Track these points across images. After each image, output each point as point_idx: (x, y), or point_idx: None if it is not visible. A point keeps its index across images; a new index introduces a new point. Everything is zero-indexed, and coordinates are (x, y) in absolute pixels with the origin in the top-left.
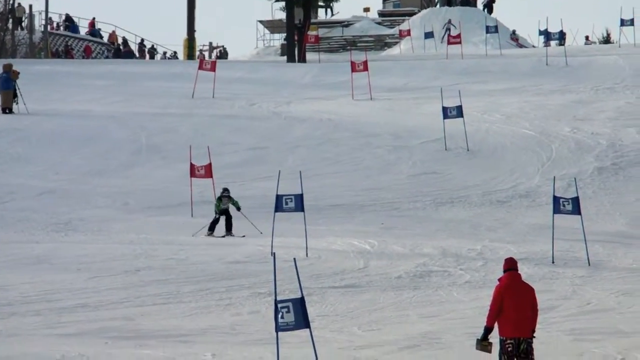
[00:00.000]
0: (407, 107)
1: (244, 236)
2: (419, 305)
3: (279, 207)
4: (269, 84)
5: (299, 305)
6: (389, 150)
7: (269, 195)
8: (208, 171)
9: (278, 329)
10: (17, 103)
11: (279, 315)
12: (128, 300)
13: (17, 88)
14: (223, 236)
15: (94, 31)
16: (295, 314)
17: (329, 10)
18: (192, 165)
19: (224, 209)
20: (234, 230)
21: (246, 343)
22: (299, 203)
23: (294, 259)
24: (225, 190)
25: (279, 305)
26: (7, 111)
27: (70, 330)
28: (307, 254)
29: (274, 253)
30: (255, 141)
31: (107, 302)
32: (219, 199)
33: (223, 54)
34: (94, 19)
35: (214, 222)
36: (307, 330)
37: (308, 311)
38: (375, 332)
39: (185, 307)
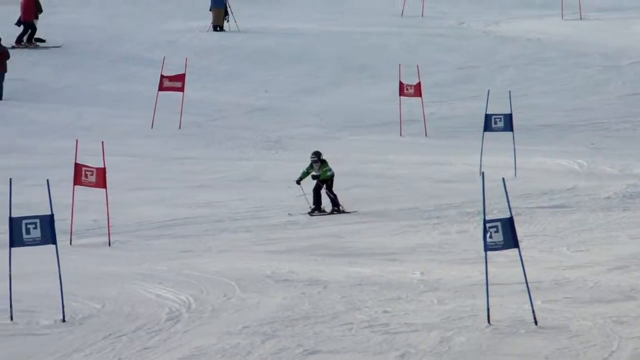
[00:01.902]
0: (617, 27)
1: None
2: (629, 227)
3: (487, 127)
4: (478, 3)
5: (508, 225)
6: (598, 70)
7: (477, 115)
8: (417, 90)
9: (487, 248)
10: (227, 21)
11: (488, 235)
12: (337, 218)
13: (227, 6)
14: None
15: None
16: (504, 234)
17: None
18: (401, 84)
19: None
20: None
21: (454, 262)
22: (508, 122)
23: (503, 178)
24: (315, 154)
25: (488, 225)
26: (217, 29)
27: (280, 247)
28: (515, 174)
29: (483, 172)
30: (464, 60)
31: (317, 219)
32: (310, 166)
33: None
34: None
35: (315, 197)
36: (516, 249)
37: (516, 231)
38: (584, 253)
39: (394, 226)
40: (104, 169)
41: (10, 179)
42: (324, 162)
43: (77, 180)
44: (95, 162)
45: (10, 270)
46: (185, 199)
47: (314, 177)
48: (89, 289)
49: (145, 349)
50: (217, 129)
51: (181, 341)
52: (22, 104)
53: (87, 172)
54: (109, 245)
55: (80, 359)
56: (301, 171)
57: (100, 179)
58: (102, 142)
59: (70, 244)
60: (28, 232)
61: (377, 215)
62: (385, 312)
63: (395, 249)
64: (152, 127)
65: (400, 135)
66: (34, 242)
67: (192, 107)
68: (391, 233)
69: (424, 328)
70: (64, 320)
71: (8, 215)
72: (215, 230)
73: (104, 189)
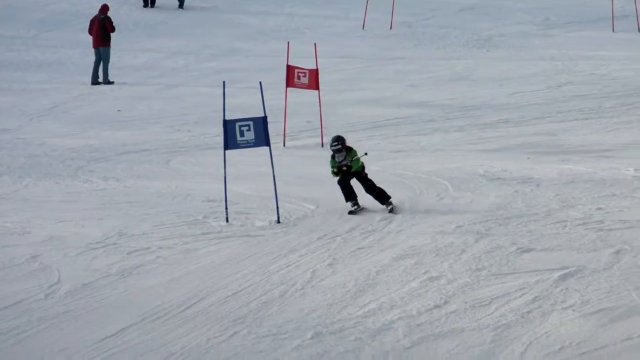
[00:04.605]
0: None
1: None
2: None
3: None
4: None
5: None
6: None
7: None
8: None
9: None
10: None
11: None
12: (550, 115)
13: None
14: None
15: None
16: None
17: None
18: None
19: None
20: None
21: None
22: None
23: None
24: (337, 140)
25: None
26: None
27: (492, 146)
28: None
29: None
30: None
31: (529, 117)
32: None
33: None
34: None
35: (347, 190)
36: None
37: None
38: None
39: (606, 122)
40: (317, 70)
41: (224, 82)
42: (350, 150)
43: (290, 82)
44: (307, 64)
45: (225, 173)
46: (397, 99)
47: (342, 171)
48: (303, 191)
49: (360, 249)
50: (427, 29)
51: (395, 241)
52: (233, 7)
53: (299, 74)
54: (322, 146)
55: (296, 260)
56: (330, 166)
57: (313, 80)
58: (315, 44)
59: (284, 145)
60: (242, 134)
61: (590, 112)
62: (599, 209)
63: (609, 146)
64: (363, 28)
65: (613, 31)
66: (248, 144)
67: (403, 7)
68: (604, 130)
69: (639, 224)
70: (278, 222)
71: (222, 117)
72: (427, 130)
73: (317, 90)
